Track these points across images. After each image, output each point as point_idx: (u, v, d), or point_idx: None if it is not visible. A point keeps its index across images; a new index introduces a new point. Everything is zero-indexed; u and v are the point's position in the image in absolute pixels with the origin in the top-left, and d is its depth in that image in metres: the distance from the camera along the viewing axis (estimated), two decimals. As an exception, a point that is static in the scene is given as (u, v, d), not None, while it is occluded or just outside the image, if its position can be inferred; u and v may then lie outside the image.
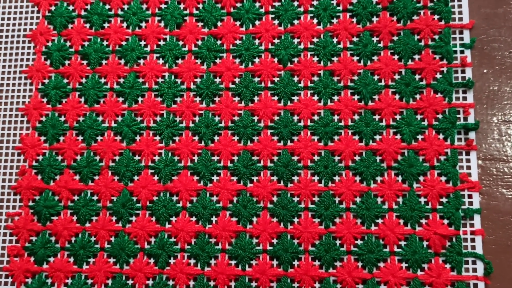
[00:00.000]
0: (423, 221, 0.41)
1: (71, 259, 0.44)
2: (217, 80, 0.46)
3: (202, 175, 0.44)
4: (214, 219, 0.43)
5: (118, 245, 0.43)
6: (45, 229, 0.44)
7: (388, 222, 0.41)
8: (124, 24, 0.48)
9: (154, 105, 0.46)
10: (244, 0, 0.47)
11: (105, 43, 0.48)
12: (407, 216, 0.41)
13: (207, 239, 0.43)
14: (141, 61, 0.47)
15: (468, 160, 0.42)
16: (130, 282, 0.43)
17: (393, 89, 0.44)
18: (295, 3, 0.46)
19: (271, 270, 0.42)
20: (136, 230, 0.43)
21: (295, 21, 0.46)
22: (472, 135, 0.42)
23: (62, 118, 0.46)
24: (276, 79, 0.45)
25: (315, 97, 0.44)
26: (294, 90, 0.45)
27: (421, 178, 0.42)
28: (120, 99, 0.46)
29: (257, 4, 0.47)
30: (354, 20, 0.46)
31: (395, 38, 0.45)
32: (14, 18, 0.49)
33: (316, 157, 0.43)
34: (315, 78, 0.45)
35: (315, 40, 0.45)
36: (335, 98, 0.44)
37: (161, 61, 0.47)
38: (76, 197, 0.45)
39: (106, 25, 0.48)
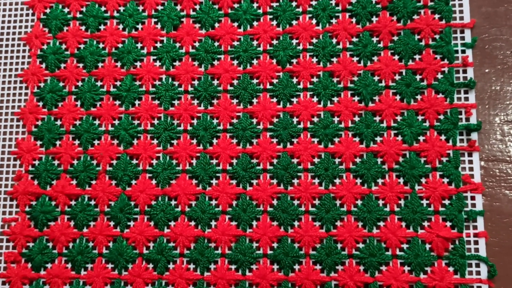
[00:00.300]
0: (426, 223, 0.41)
1: (69, 265, 0.43)
2: (215, 82, 0.45)
3: (201, 179, 0.43)
4: (213, 223, 0.43)
5: (116, 250, 0.43)
6: (42, 234, 0.44)
7: (390, 225, 0.41)
8: (120, 26, 0.47)
9: (152, 108, 0.45)
10: (242, 1, 0.46)
11: (101, 45, 0.47)
12: (409, 219, 0.41)
13: (207, 244, 0.42)
14: (138, 64, 0.46)
15: (470, 161, 0.42)
16: (128, 288, 0.42)
17: (393, 90, 0.43)
18: (294, 4, 0.46)
19: (272, 274, 0.41)
20: (135, 235, 0.43)
21: (294, 22, 0.45)
22: (474, 135, 0.42)
23: (58, 122, 0.46)
24: (275, 81, 0.45)
25: (315, 99, 0.44)
26: (293, 91, 0.44)
27: (423, 180, 0.41)
28: (117, 102, 0.46)
29: (255, 5, 0.46)
30: (354, 20, 0.45)
31: (395, 38, 0.44)
32: (9, 21, 0.49)
33: (316, 160, 0.43)
34: (315, 80, 0.44)
35: (314, 41, 0.45)
36: (335, 99, 0.44)
37: (158, 63, 0.46)
38: (73, 202, 0.44)
39: (102, 27, 0.48)
